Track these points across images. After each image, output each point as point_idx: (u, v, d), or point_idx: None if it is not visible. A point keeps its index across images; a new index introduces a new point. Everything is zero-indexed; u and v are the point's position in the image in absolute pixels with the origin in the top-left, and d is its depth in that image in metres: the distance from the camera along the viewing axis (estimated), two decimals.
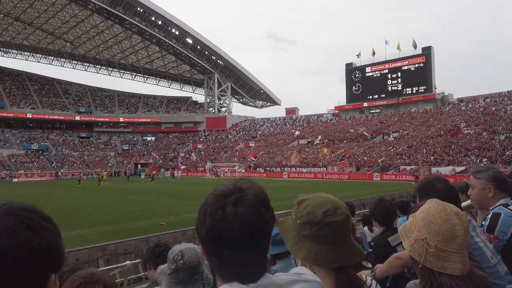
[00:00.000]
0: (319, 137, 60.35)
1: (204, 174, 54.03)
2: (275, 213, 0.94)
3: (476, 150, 39.86)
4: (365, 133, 56.95)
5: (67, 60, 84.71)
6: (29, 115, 70.57)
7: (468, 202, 3.28)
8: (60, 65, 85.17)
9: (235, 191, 0.92)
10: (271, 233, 0.95)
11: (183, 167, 62.79)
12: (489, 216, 2.32)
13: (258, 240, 0.90)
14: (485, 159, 37.28)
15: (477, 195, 2.45)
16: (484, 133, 43.50)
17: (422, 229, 1.30)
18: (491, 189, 2.40)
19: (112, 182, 43.22)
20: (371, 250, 3.33)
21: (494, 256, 2.03)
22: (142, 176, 49.64)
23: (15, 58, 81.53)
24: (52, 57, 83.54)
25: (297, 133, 66.64)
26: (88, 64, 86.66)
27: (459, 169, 36.45)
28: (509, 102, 52.00)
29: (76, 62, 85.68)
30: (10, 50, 79.52)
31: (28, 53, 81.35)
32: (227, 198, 0.90)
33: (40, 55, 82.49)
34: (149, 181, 45.09)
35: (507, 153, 37.46)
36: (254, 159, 53.88)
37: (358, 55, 69.51)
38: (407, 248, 1.33)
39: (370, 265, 2.65)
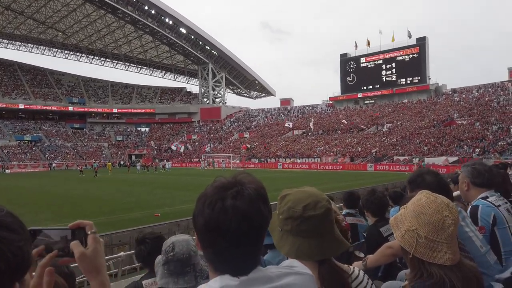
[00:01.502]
0: (311, 124, 60.14)
1: (198, 165, 54.12)
2: (271, 203, 0.98)
3: (469, 141, 40.15)
4: (361, 125, 57.07)
5: (59, 50, 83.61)
6: (21, 106, 69.78)
7: (458, 192, 3.34)
8: (52, 55, 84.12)
9: (235, 184, 0.92)
10: (267, 228, 0.97)
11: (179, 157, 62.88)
12: (468, 210, 2.40)
13: (256, 235, 0.91)
14: (478, 150, 37.61)
15: (459, 187, 2.59)
16: (477, 124, 43.79)
17: (413, 220, 1.31)
18: (466, 184, 2.52)
19: (104, 173, 42.98)
20: (363, 240, 3.37)
21: (484, 246, 2.07)
22: (138, 167, 49.59)
23: (6, 48, 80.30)
24: (44, 47, 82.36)
25: (289, 125, 66.35)
26: (80, 54, 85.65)
27: (452, 159, 36.76)
28: (502, 92, 52.30)
29: (68, 52, 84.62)
30: (1, 39, 78.20)
31: (20, 43, 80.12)
32: (227, 190, 0.90)
33: (32, 45, 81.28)
34: (152, 172, 45.77)
35: (500, 143, 37.79)
36: (249, 146, 55.10)
37: (356, 46, 69.40)
38: (398, 239, 1.35)
39: (362, 255, 2.68)
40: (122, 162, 63.46)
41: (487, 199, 2.43)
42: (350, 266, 1.40)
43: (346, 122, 58.47)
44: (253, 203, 0.90)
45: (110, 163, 50.06)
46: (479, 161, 3.86)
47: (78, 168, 48.01)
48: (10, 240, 0.67)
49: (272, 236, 1.30)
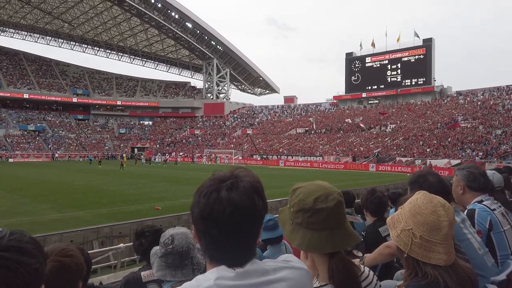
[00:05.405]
0: (313, 123, 60.21)
1: (199, 160, 54.28)
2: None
3: (472, 144, 39.99)
4: (361, 124, 56.88)
5: (65, 41, 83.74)
6: (25, 96, 69.95)
7: None
8: (57, 45, 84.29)
9: (231, 177, 0.95)
10: (262, 221, 0.98)
11: (181, 153, 62.99)
12: (465, 213, 2.41)
13: (248, 226, 0.92)
14: (481, 153, 37.46)
15: (453, 191, 2.57)
16: (481, 127, 43.59)
17: (409, 220, 1.32)
18: (462, 187, 2.52)
19: (110, 165, 43.12)
20: (362, 239, 3.38)
21: (482, 248, 2.08)
22: (143, 160, 50.04)
23: (12, 37, 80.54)
24: (50, 38, 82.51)
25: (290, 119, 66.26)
26: (86, 46, 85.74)
27: (454, 162, 36.60)
28: (507, 96, 51.99)
29: (74, 43, 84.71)
30: (7, 29, 78.36)
31: (26, 33, 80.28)
32: (223, 182, 0.93)
33: (38, 35, 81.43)
34: (154, 165, 46.53)
35: (503, 147, 37.63)
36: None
37: (361, 46, 69.09)
38: (393, 238, 1.36)
39: (361, 254, 2.69)
40: (124, 155, 63.64)
41: (482, 203, 2.43)
42: (361, 264, 1.38)
43: (350, 122, 58.37)
44: (248, 195, 0.92)
45: (125, 155, 50.63)
46: (473, 164, 3.88)
47: (97, 159, 48.63)
48: (29, 263, 0.78)
49: (284, 230, 1.31)
